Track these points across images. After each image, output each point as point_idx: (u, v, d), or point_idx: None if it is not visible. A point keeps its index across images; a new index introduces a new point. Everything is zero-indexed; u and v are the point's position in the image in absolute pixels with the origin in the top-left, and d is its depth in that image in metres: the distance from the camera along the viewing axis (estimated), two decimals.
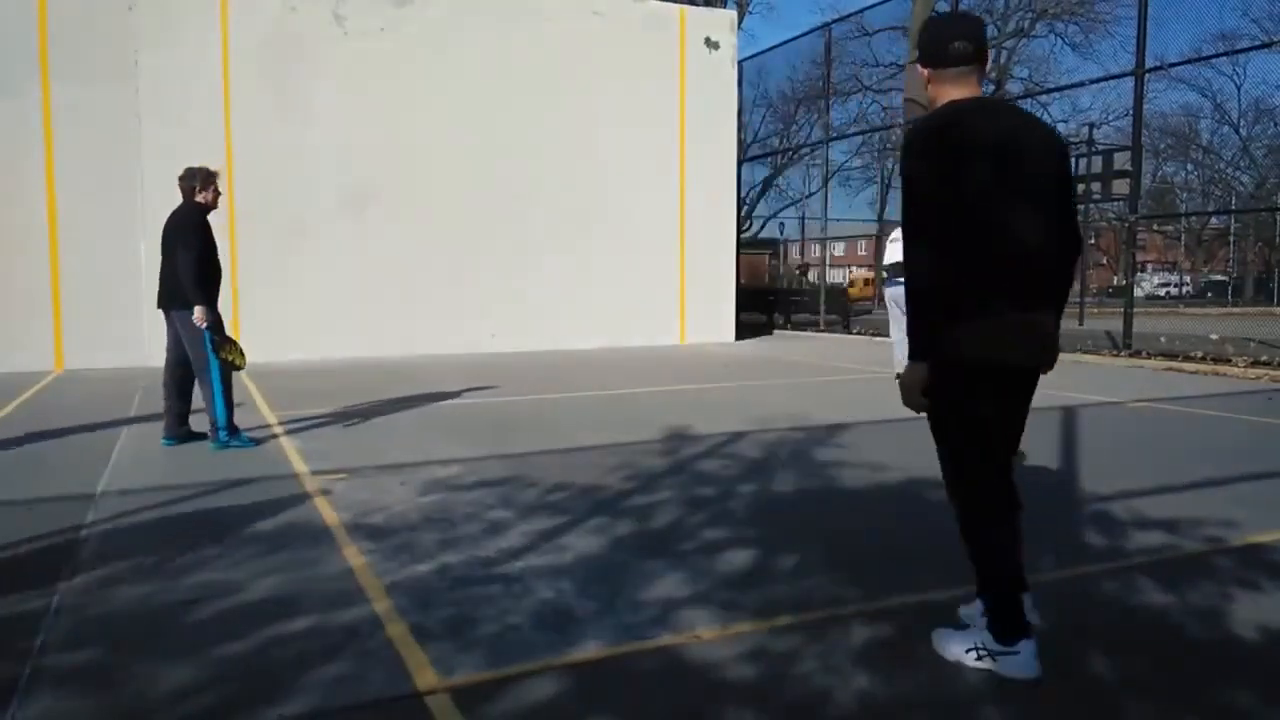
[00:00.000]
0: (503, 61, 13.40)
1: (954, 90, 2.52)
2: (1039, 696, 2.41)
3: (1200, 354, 11.60)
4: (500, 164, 13.38)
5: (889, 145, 28.59)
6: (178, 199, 5.97)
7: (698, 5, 18.44)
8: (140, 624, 2.94)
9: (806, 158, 27.43)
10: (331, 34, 12.48)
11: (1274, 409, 7.62)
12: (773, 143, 28.05)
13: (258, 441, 6.04)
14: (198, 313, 5.68)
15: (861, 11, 21.07)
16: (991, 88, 24.78)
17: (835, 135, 21.69)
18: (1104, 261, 36.58)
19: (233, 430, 5.85)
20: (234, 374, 5.95)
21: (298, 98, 12.23)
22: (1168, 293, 37.84)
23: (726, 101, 15.40)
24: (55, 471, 5.32)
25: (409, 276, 12.89)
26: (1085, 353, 12.31)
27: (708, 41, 15.09)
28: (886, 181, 33.08)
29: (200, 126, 11.59)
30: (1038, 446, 5.56)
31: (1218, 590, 3.19)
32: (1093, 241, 29.41)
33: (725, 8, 24.87)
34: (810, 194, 28.82)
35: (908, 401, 2.55)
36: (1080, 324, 18.56)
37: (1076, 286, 20.51)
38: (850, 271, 44.98)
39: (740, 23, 22.73)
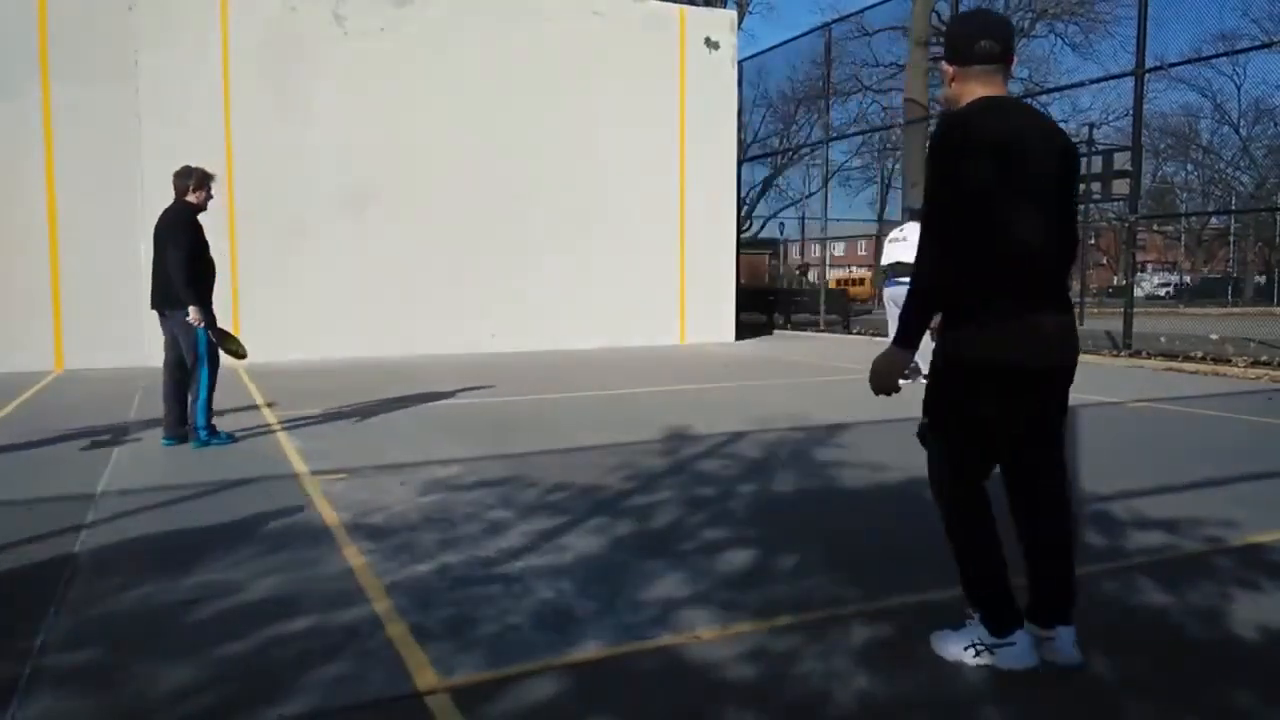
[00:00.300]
0: (503, 61, 13.39)
1: (978, 88, 2.52)
2: (1039, 697, 2.41)
3: (1200, 354, 11.60)
4: (500, 164, 13.37)
5: (889, 145, 28.61)
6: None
7: (698, 5, 18.44)
8: (140, 624, 2.94)
9: (806, 158, 27.47)
10: (331, 34, 12.48)
11: (1274, 409, 7.62)
12: (773, 143, 28.06)
13: (235, 438, 6.13)
14: (193, 314, 5.73)
15: (861, 11, 21.08)
16: None
17: (835, 135, 21.69)
18: (1104, 261, 36.55)
19: (211, 430, 5.99)
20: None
21: (298, 98, 12.22)
22: (1168, 293, 37.81)
23: (726, 101, 15.39)
24: (55, 471, 5.32)
25: (409, 276, 12.89)
26: (1085, 353, 12.28)
27: (708, 41, 15.08)
28: (886, 181, 33.15)
29: (200, 126, 11.59)
30: None
31: (1218, 590, 3.19)
32: (1093, 241, 29.38)
33: (725, 8, 24.88)
34: (810, 194, 28.90)
35: (881, 385, 2.55)
36: (1080, 324, 18.54)
37: (1076, 286, 20.52)
38: (850, 271, 45.04)
39: (740, 23, 22.74)
